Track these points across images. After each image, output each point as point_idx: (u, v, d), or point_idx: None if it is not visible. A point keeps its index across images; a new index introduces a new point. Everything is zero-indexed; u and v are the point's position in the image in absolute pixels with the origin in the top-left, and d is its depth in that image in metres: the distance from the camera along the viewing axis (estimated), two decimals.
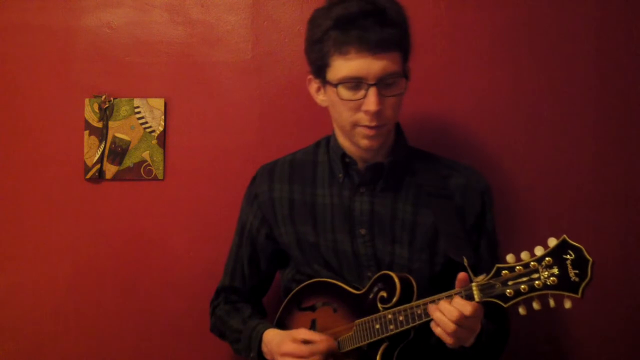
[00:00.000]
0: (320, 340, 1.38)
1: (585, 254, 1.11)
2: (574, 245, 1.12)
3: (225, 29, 1.95)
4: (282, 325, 1.55)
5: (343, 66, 1.35)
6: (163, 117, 1.93)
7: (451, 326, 1.21)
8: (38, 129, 1.95)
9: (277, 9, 1.94)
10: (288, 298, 1.56)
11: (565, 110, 1.88)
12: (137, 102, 1.94)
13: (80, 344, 1.93)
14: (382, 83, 1.35)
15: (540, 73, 1.89)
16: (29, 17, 1.96)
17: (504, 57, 1.90)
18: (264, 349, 1.49)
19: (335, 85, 1.37)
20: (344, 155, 1.50)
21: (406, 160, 1.52)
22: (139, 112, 1.93)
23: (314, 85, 1.48)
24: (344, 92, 1.37)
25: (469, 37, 1.90)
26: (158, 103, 1.93)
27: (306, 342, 1.39)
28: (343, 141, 1.50)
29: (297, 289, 1.54)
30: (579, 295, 1.10)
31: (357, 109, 1.37)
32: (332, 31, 1.36)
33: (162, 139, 1.94)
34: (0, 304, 1.94)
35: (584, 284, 1.10)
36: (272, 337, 1.47)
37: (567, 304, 1.12)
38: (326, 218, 1.52)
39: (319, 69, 1.42)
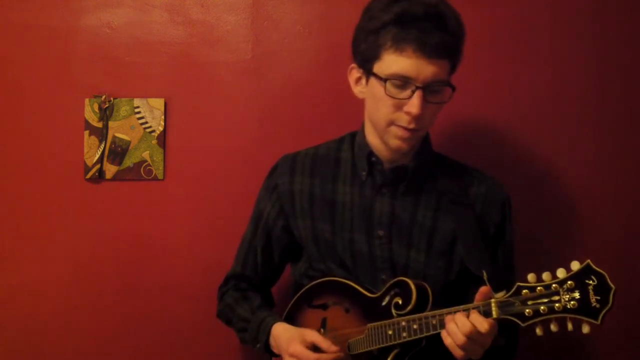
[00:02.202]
0: (330, 350, 1.37)
1: (608, 281, 1.10)
2: (598, 272, 1.11)
3: (225, 29, 1.95)
4: (291, 320, 1.54)
5: (396, 62, 1.33)
6: (163, 117, 1.93)
7: (462, 338, 1.21)
8: (38, 129, 1.95)
9: (277, 9, 1.94)
10: (299, 294, 1.55)
11: (565, 109, 1.88)
12: (137, 102, 1.94)
13: (80, 344, 1.93)
14: (429, 88, 1.34)
15: (540, 72, 1.89)
16: (29, 17, 1.95)
17: (504, 57, 1.90)
18: (272, 342, 1.49)
19: (384, 80, 1.35)
20: (370, 153, 1.49)
21: (430, 165, 1.51)
22: (139, 112, 1.94)
23: (354, 75, 1.46)
24: (390, 88, 1.35)
25: (469, 36, 1.90)
26: (158, 103, 1.93)
27: (315, 346, 1.38)
28: (372, 139, 1.48)
29: (309, 285, 1.53)
30: (599, 322, 1.10)
31: (398, 108, 1.36)
32: (391, 26, 1.34)
33: (162, 139, 1.94)
34: (0, 304, 1.94)
35: (604, 311, 1.09)
36: (282, 333, 1.46)
37: (585, 329, 1.11)
38: (345, 216, 1.51)
39: (367, 60, 1.39)
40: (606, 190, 1.88)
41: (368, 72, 1.40)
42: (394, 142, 1.41)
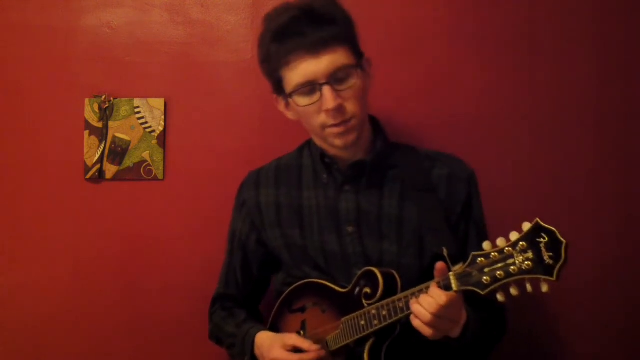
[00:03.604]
0: (310, 350, 1.38)
1: (559, 236, 1.10)
2: (547, 228, 1.11)
3: (225, 29, 1.95)
4: (275, 328, 1.55)
5: (291, 76, 1.38)
6: (163, 117, 1.93)
7: (427, 316, 1.21)
8: (38, 129, 1.95)
9: None
10: (279, 301, 1.57)
11: (565, 109, 1.88)
12: (137, 102, 1.94)
13: (80, 344, 1.93)
14: (334, 79, 1.36)
15: (540, 72, 1.89)
16: (29, 17, 1.96)
17: (504, 57, 1.90)
18: (257, 352, 1.50)
19: (291, 95, 1.40)
20: (323, 156, 1.52)
21: (388, 155, 1.52)
22: (139, 112, 1.94)
23: (281, 104, 1.50)
24: (300, 99, 1.39)
25: (469, 37, 1.90)
26: (158, 103, 1.93)
27: (296, 348, 1.39)
28: (322, 144, 1.51)
29: (287, 291, 1.55)
30: (554, 278, 1.09)
31: (319, 111, 1.39)
32: (272, 46, 1.40)
33: (162, 139, 1.94)
34: (1, 304, 1.94)
35: (558, 266, 1.08)
36: (264, 341, 1.48)
37: (544, 288, 1.10)
38: (313, 220, 1.52)
39: (277, 86, 1.45)
40: (606, 190, 1.88)
41: (284, 96, 1.44)
42: (337, 141, 1.43)
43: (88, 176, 1.93)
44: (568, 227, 1.91)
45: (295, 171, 1.59)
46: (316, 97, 1.38)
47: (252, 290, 1.68)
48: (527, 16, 1.89)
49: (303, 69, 1.36)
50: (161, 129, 1.94)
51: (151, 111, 1.93)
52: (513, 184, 1.87)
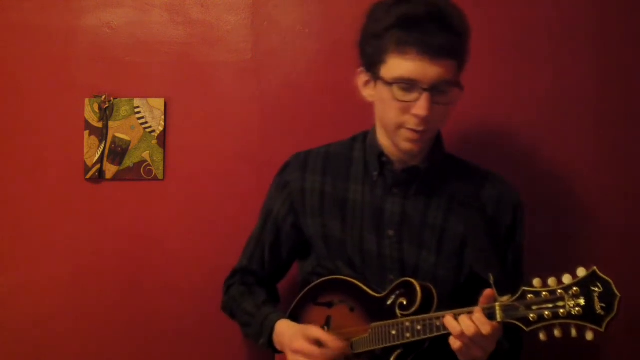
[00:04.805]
0: (334, 345, 1.37)
1: (614, 288, 1.10)
2: (603, 279, 1.11)
3: (225, 29, 1.95)
4: (296, 318, 1.53)
5: (400, 66, 1.34)
6: (163, 117, 1.93)
7: (465, 340, 1.21)
8: (38, 129, 1.95)
9: (277, 9, 1.94)
10: (305, 291, 1.55)
11: (565, 109, 1.89)
12: (137, 102, 1.94)
13: (80, 344, 1.93)
14: (436, 89, 1.34)
15: (540, 72, 1.89)
16: (29, 17, 1.95)
17: (504, 57, 1.90)
18: (275, 339, 1.49)
19: (390, 84, 1.35)
20: (381, 154, 1.49)
21: (442, 166, 1.51)
22: (139, 112, 1.93)
23: (362, 78, 1.45)
24: (396, 92, 1.35)
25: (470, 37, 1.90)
26: (158, 103, 1.93)
27: (319, 342, 1.37)
28: (383, 140, 1.48)
29: (315, 283, 1.53)
30: (603, 329, 1.10)
31: (406, 111, 1.36)
32: (394, 29, 1.34)
33: (162, 139, 1.94)
34: (1, 304, 1.94)
35: (609, 319, 1.09)
36: (285, 330, 1.47)
37: (589, 336, 1.11)
38: (356, 215, 1.51)
39: (373, 64, 1.40)
40: (606, 190, 1.88)
41: (375, 76, 1.40)
42: (404, 145, 1.41)
43: (88, 176, 1.93)
44: (568, 227, 1.92)
45: (345, 162, 1.56)
46: (412, 97, 1.34)
47: (275, 270, 1.67)
48: (527, 16, 1.89)
49: (416, 66, 1.32)
50: (161, 129, 1.94)
51: (151, 111, 1.93)
52: (512, 184, 1.87)
